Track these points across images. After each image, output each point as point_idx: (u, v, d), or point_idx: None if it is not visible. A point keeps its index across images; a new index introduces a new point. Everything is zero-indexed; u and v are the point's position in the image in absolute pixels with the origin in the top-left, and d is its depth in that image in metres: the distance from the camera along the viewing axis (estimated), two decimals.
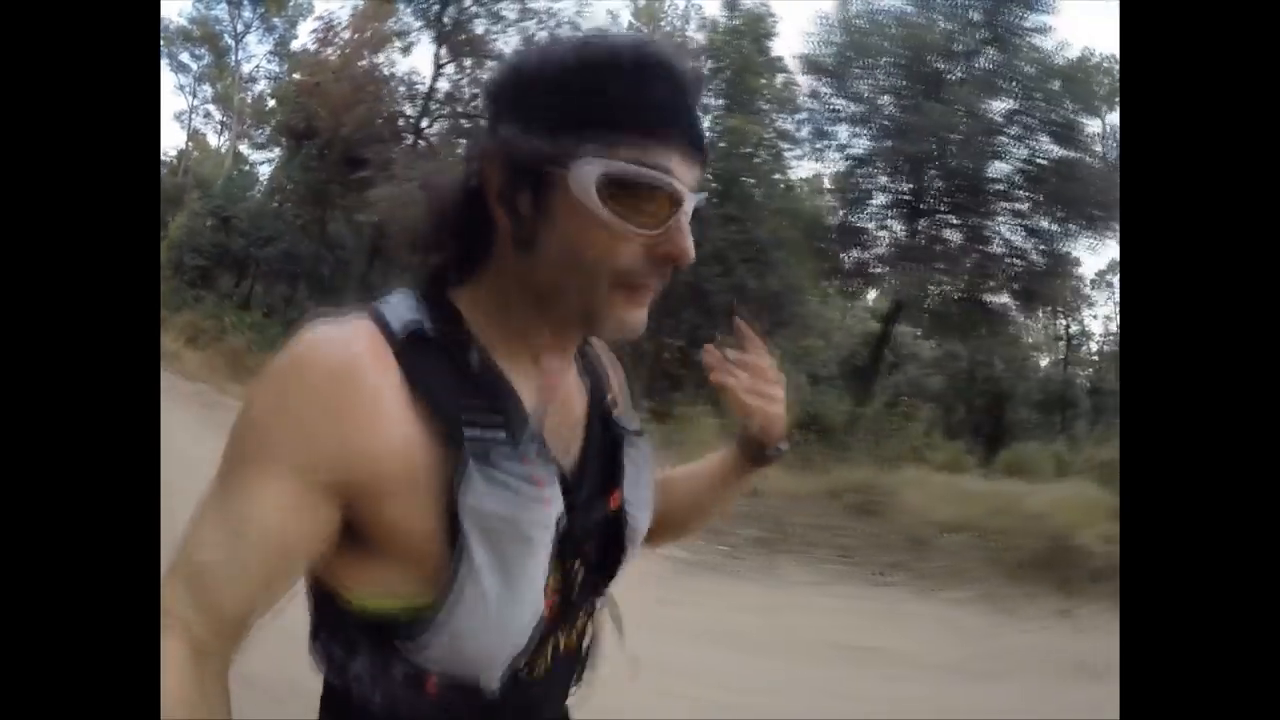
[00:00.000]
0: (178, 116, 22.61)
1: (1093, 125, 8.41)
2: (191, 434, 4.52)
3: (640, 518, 0.65)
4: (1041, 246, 8.76)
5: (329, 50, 12.07)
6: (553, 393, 0.59)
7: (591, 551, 0.62)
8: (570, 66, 0.52)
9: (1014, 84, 8.04)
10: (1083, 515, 5.33)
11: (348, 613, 0.56)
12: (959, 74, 8.30)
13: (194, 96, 22.30)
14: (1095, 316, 23.02)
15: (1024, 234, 8.74)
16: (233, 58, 19.90)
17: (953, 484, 6.71)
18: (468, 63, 11.70)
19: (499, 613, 0.53)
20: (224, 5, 19.10)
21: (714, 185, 9.42)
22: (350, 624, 0.57)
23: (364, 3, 11.88)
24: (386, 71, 11.86)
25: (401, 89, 11.86)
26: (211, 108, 22.53)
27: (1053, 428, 16.61)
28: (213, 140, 23.57)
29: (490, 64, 11.48)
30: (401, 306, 0.56)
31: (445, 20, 11.27)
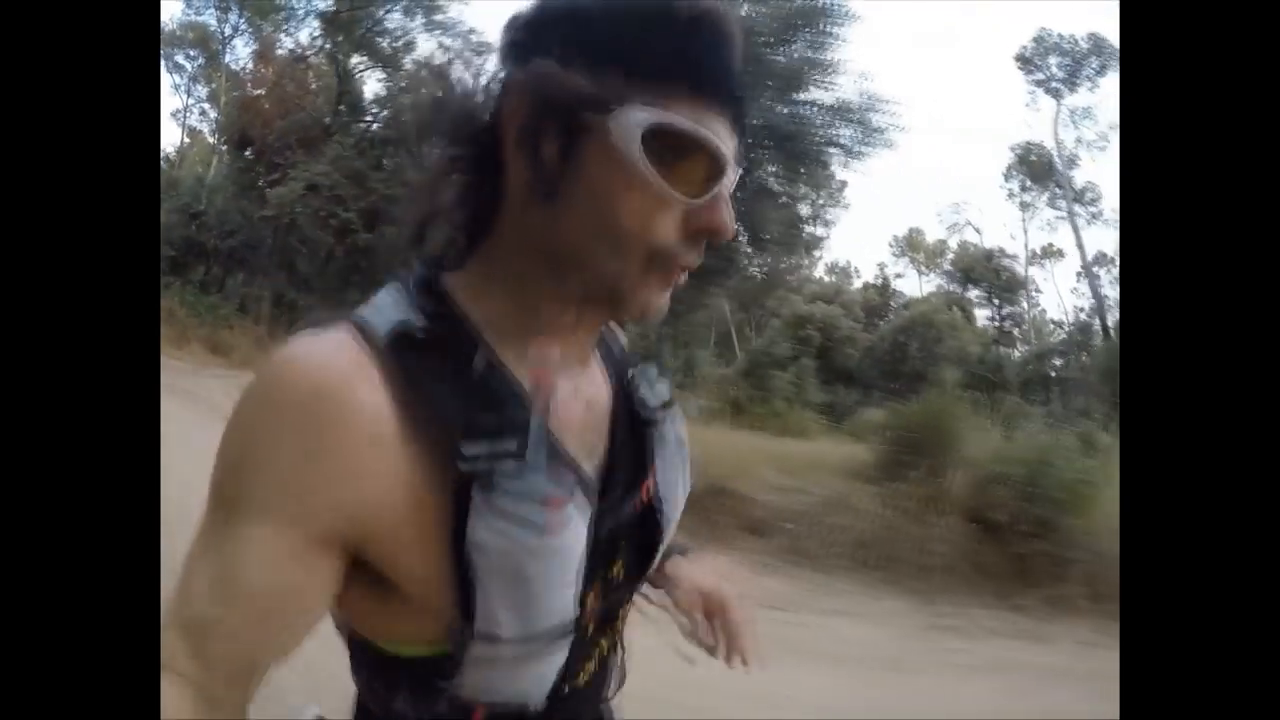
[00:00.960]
0: (174, 114, 24.09)
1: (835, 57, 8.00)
2: None
3: (671, 504, 0.60)
4: (771, 199, 8.84)
5: (265, 68, 13.92)
6: (544, 391, 0.50)
7: (629, 550, 0.58)
8: (622, 8, 0.47)
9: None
10: (762, 463, 5.08)
11: (385, 657, 0.54)
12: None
13: (189, 95, 23.92)
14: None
15: (759, 188, 8.57)
16: (222, 60, 21.65)
17: None
18: (377, 75, 13.41)
19: (521, 647, 0.49)
20: (213, 10, 20.93)
21: None
22: (389, 667, 0.54)
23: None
24: (314, 86, 13.66)
25: (319, 101, 13.56)
26: (206, 106, 24.02)
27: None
28: (209, 137, 25.29)
29: (403, 71, 13.08)
30: (387, 305, 0.50)
31: (340, 41, 12.83)
